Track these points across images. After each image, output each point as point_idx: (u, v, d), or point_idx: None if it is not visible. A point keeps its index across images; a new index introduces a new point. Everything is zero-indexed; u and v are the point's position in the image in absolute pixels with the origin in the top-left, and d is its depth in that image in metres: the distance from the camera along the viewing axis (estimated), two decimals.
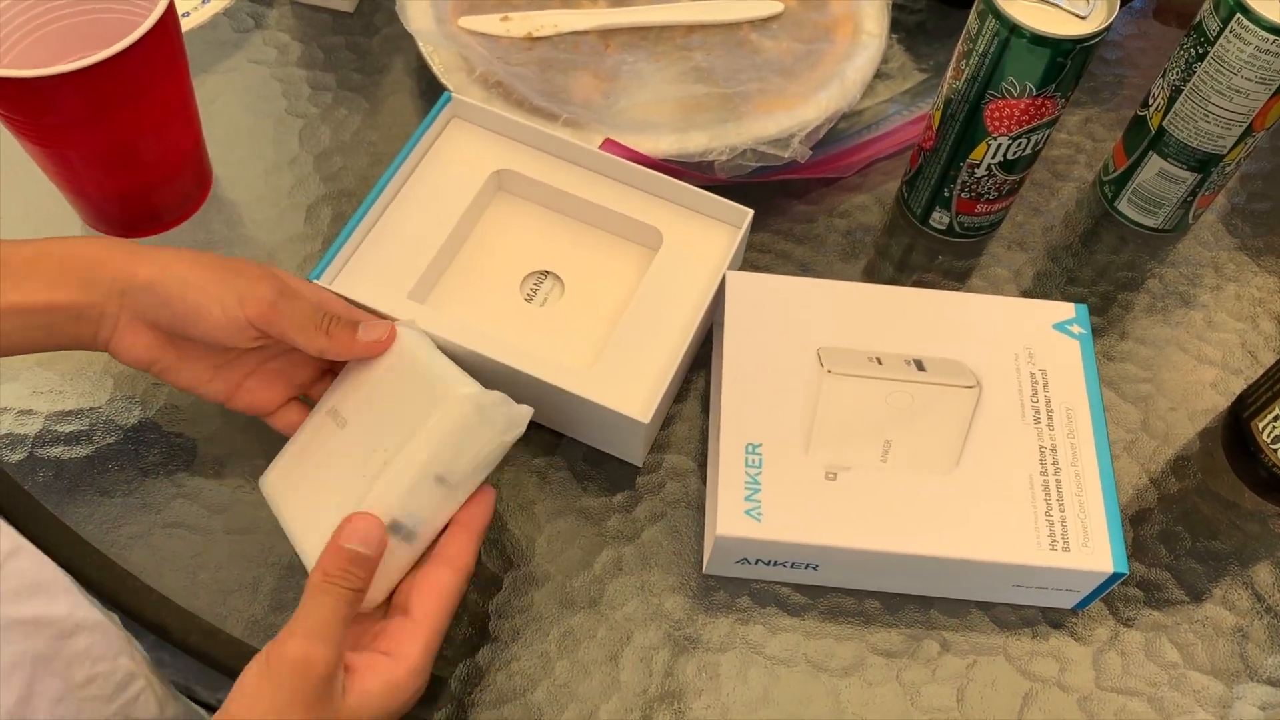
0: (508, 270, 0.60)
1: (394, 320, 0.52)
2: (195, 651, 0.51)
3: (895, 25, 0.72)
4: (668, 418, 0.58)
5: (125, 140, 0.56)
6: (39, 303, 0.47)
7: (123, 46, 0.51)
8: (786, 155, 0.62)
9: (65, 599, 0.45)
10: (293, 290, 0.50)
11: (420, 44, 0.65)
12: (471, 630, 0.52)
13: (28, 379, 0.57)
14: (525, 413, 0.48)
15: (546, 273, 0.60)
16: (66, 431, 0.56)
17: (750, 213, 0.58)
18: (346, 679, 0.44)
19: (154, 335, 0.50)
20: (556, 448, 0.57)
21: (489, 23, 0.67)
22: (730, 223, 0.59)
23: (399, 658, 0.45)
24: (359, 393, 0.51)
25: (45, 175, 0.59)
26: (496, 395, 0.47)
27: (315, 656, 0.42)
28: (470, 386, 0.47)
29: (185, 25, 0.66)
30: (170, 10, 0.53)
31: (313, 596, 0.44)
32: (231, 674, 0.44)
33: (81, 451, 0.55)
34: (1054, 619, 0.54)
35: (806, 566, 0.52)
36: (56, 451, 0.55)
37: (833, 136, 0.67)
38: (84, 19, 0.58)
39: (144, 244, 0.50)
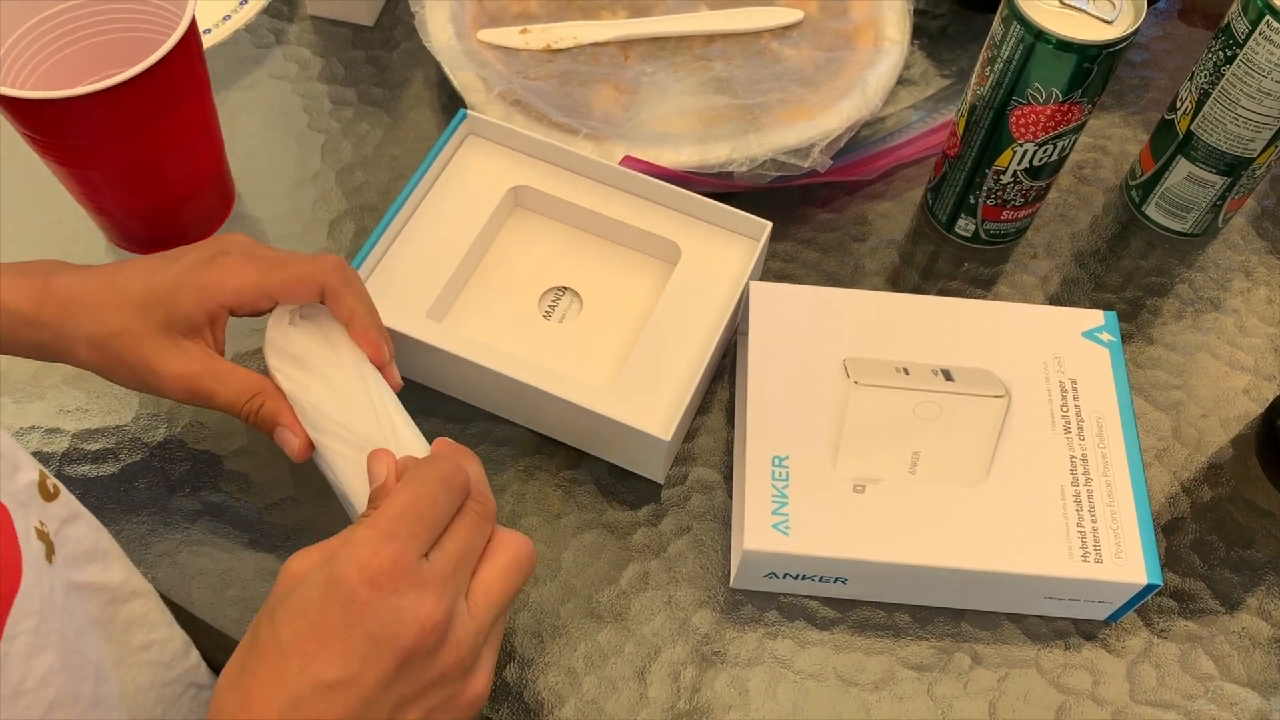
0: (525, 287, 0.60)
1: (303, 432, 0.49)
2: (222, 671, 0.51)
3: (917, 31, 0.72)
4: (691, 430, 0.58)
5: (148, 159, 0.56)
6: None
7: (145, 66, 0.51)
8: (807, 165, 0.62)
9: (120, 565, 0.45)
10: (215, 368, 0.48)
11: (441, 64, 0.65)
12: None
13: (54, 397, 0.57)
14: None
15: (564, 289, 0.60)
16: (93, 450, 0.56)
17: (769, 225, 0.58)
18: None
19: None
20: (581, 462, 0.57)
21: (508, 35, 0.67)
22: (749, 235, 0.59)
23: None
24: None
25: (70, 194, 0.59)
26: None
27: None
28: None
29: (206, 42, 0.66)
30: (193, 29, 0.53)
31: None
32: None
33: (108, 469, 0.56)
34: (1086, 630, 0.53)
35: (835, 580, 0.51)
36: (84, 470, 0.55)
37: (855, 143, 0.66)
38: (106, 39, 0.58)
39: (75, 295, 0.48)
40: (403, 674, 0.38)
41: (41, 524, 0.40)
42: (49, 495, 0.42)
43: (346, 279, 0.48)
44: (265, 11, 0.71)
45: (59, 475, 0.55)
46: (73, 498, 0.44)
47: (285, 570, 0.40)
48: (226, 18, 0.69)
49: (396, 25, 0.73)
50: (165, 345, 0.48)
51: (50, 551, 0.40)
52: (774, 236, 0.62)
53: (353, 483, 0.46)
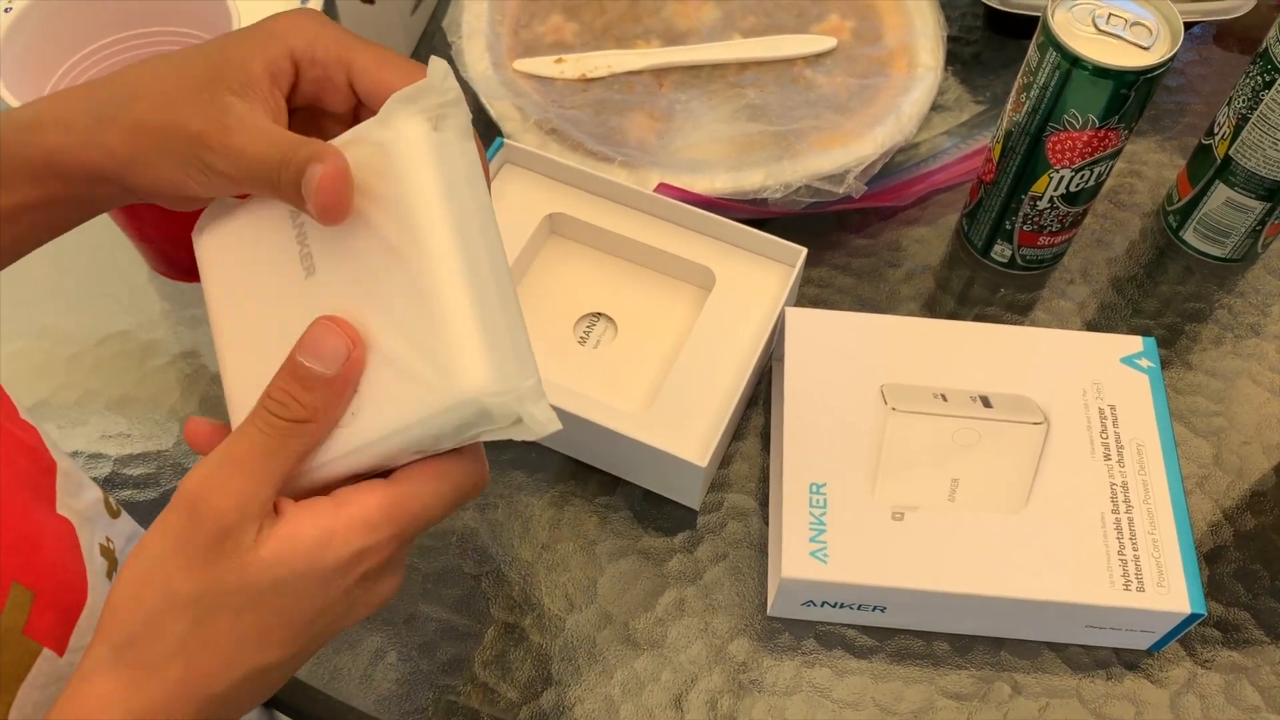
0: (561, 313, 0.60)
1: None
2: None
3: (951, 58, 0.72)
4: (726, 456, 0.58)
5: None
6: (34, 200, 0.38)
7: None
8: (841, 191, 0.62)
9: None
10: (232, 128, 0.35)
11: (477, 93, 0.66)
12: (534, 673, 0.51)
13: (97, 423, 0.58)
14: (549, 424, 0.35)
15: (599, 315, 0.60)
16: (135, 475, 0.57)
17: (804, 251, 0.58)
18: (268, 524, 0.33)
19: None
20: (616, 488, 0.57)
21: (543, 65, 0.67)
22: (784, 261, 0.59)
23: (344, 503, 0.34)
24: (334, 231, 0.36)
25: (112, 220, 0.60)
26: (517, 391, 0.34)
27: (211, 494, 0.32)
28: (480, 366, 0.34)
29: None
30: None
31: (241, 426, 0.34)
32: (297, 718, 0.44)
33: (149, 494, 0.56)
34: (1128, 660, 0.52)
35: (874, 608, 0.51)
36: (126, 495, 0.56)
37: (889, 169, 0.67)
38: None
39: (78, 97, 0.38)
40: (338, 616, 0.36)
41: (108, 540, 0.41)
42: (114, 513, 0.42)
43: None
44: None
45: None
46: (130, 518, 0.44)
47: (195, 498, 0.33)
48: None
49: (433, 54, 0.73)
50: (202, 100, 0.36)
51: (112, 568, 0.41)
52: (808, 262, 0.62)
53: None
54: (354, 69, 0.37)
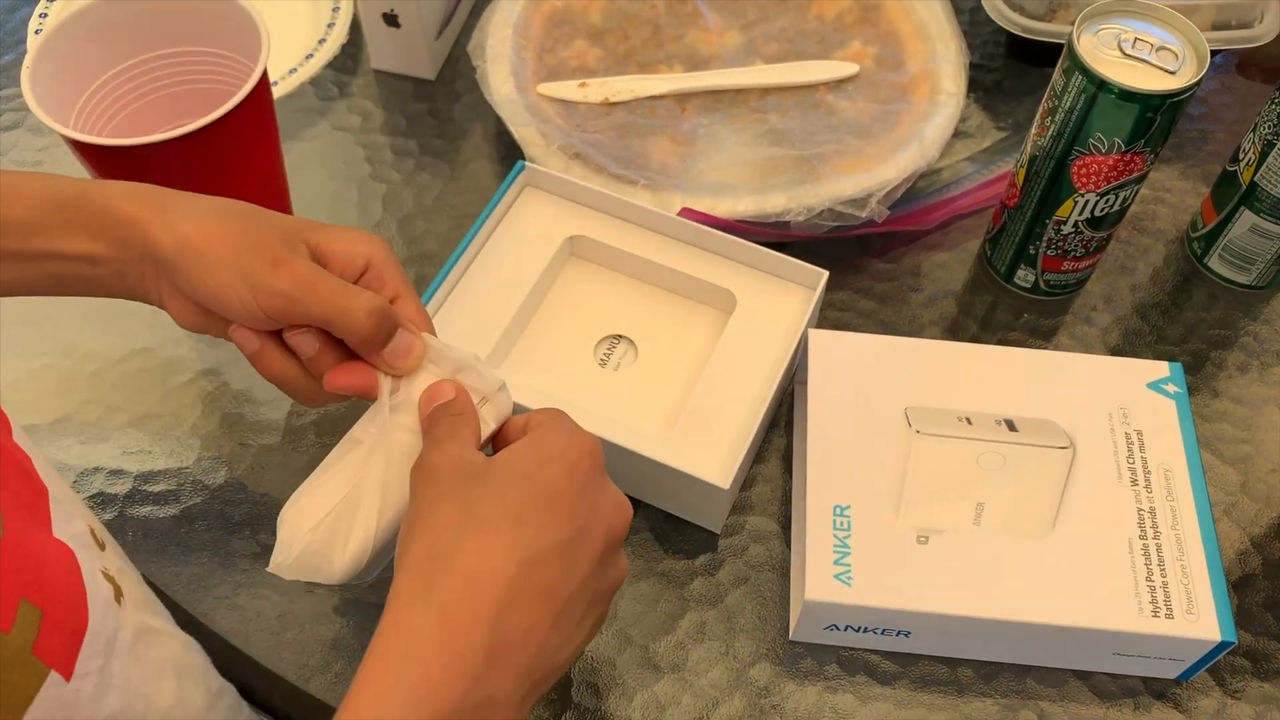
0: (581, 335, 0.60)
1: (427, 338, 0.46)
2: (278, 714, 0.51)
3: (973, 84, 0.72)
4: (748, 479, 0.57)
5: None
6: (79, 252, 0.44)
7: (217, 115, 0.52)
8: (864, 215, 0.62)
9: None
10: (315, 280, 0.43)
11: (502, 118, 0.67)
12: (554, 695, 0.51)
13: (118, 440, 0.58)
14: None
15: (620, 337, 0.60)
16: (155, 491, 0.57)
17: (825, 274, 0.58)
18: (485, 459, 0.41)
19: (196, 306, 0.45)
20: (637, 508, 0.56)
21: (567, 89, 0.68)
22: (806, 284, 0.59)
23: (518, 432, 0.44)
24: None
25: None
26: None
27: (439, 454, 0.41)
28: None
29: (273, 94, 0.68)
30: (263, 81, 0.55)
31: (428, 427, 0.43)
32: None
33: (169, 511, 0.56)
34: (1156, 689, 0.52)
35: (898, 633, 0.50)
36: (145, 511, 0.56)
37: (911, 194, 0.67)
38: (182, 89, 0.60)
39: (179, 195, 0.45)
40: (602, 567, 0.40)
41: (105, 568, 0.40)
42: (100, 546, 0.42)
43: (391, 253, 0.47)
44: (330, 65, 0.73)
45: (121, 516, 0.56)
46: (118, 550, 0.44)
47: (432, 466, 0.40)
48: (293, 70, 0.70)
49: (458, 79, 0.74)
50: (281, 240, 0.43)
51: (119, 594, 0.40)
52: (830, 286, 0.62)
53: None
54: (397, 304, 0.45)
